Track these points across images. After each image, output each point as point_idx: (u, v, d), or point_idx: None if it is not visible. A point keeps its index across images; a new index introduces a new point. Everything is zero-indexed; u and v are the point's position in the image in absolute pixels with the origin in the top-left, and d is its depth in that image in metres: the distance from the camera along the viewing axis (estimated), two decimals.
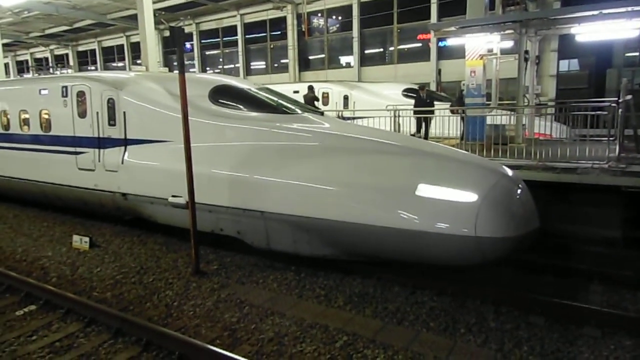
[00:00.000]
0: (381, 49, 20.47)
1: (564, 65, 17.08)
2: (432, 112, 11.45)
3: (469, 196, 4.59)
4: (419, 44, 19.11)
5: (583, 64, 17.19)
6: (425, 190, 4.82)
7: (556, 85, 16.59)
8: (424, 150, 5.70)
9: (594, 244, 6.32)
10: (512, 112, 10.21)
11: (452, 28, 9.84)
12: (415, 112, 11.14)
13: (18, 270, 5.89)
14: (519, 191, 4.95)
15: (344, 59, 21.47)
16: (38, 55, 34.02)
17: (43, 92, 8.35)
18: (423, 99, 11.98)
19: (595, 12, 8.44)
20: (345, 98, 15.57)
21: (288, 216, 5.45)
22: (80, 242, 6.85)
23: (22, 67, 34.94)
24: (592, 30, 9.65)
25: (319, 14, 21.63)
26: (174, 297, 5.10)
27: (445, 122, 9.88)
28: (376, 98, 14.54)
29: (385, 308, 4.71)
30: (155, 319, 4.57)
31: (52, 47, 31.95)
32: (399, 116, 10.80)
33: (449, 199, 4.67)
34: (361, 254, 5.42)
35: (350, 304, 4.84)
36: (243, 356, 3.69)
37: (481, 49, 9.74)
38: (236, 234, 6.07)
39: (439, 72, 18.45)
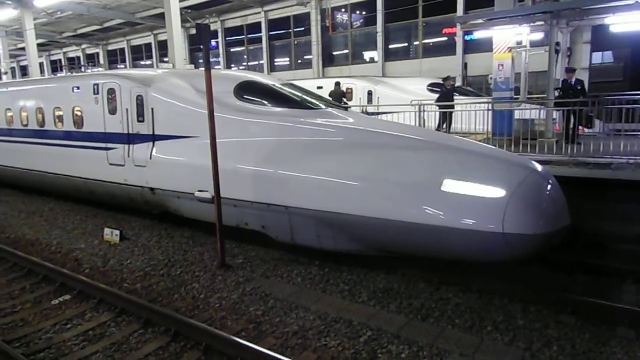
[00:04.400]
0: (405, 44, 20.21)
1: (597, 57, 16.46)
2: (453, 105, 11.28)
3: (497, 192, 4.50)
4: (445, 38, 18.77)
5: (617, 56, 16.52)
6: (450, 185, 4.75)
7: (589, 78, 16.02)
8: (449, 145, 5.61)
9: (627, 242, 6.10)
10: (542, 106, 9.92)
11: (480, 20, 9.64)
12: (440, 105, 10.98)
13: (53, 261, 6.12)
14: (548, 187, 4.82)
15: (367, 54, 21.31)
16: (70, 55, 35.10)
17: (76, 89, 8.62)
18: (447, 91, 11.80)
19: (631, 1, 8.10)
20: (369, 93, 15.47)
21: (312, 211, 5.46)
22: (111, 234, 7.06)
23: (55, 66, 36.14)
24: (627, 21, 9.27)
25: (343, 9, 21.52)
26: (200, 290, 5.20)
27: (471, 116, 9.69)
28: (401, 93, 14.39)
29: (410, 304, 4.68)
30: (183, 310, 4.68)
31: (83, 46, 32.91)
32: (424, 111, 10.67)
33: (475, 195, 4.59)
34: (385, 250, 5.40)
35: (374, 299, 4.83)
36: (268, 349, 3.73)
37: (510, 41, 9.49)
38: (261, 228, 6.14)
39: (465, 66, 18.10)
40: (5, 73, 22.28)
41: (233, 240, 6.66)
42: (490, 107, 9.56)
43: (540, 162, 5.61)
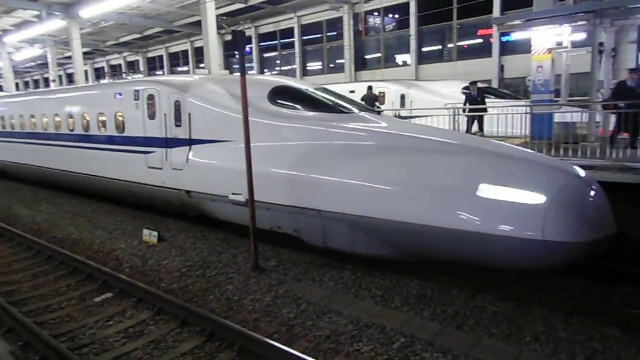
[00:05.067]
0: (439, 46, 19.93)
1: None
2: (484, 109, 11.04)
3: (536, 197, 4.37)
4: (480, 40, 18.40)
5: None
6: (487, 190, 4.64)
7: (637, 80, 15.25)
8: (485, 149, 5.48)
9: None
10: (584, 109, 9.54)
11: (518, 21, 9.37)
12: (469, 110, 10.80)
13: (96, 260, 6.39)
14: (591, 193, 4.62)
15: (400, 58, 21.16)
16: (113, 62, 36.65)
17: (118, 96, 9.00)
18: (473, 96, 11.59)
19: None
20: (402, 97, 15.34)
21: (345, 215, 5.46)
22: (149, 235, 7.30)
23: (99, 74, 37.82)
24: None
25: (376, 13, 21.47)
26: (234, 291, 5.29)
27: (508, 120, 9.43)
28: (434, 96, 14.20)
29: (444, 311, 4.59)
30: (218, 311, 4.77)
31: (125, 54, 34.29)
32: (458, 114, 10.48)
33: (513, 200, 4.46)
34: (419, 255, 5.33)
35: (407, 305, 4.77)
36: (301, 352, 3.75)
37: (549, 42, 9.18)
38: (293, 231, 6.19)
39: (501, 68, 17.66)
40: (54, 81, 23.48)
41: (266, 243, 6.74)
42: (528, 110, 9.27)
43: (582, 167, 5.39)
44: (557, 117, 9.31)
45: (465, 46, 19.01)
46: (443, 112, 10.48)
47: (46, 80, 39.60)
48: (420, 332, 4.17)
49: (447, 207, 4.78)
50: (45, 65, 31.48)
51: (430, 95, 14.51)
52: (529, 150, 6.21)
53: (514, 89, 16.49)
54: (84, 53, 23.87)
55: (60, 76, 30.59)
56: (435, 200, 4.88)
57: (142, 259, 6.50)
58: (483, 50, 18.17)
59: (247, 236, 6.16)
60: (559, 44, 9.18)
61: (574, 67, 10.65)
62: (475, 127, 11.41)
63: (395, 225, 5.03)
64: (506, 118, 9.53)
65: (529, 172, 4.79)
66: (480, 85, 12.20)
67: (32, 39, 23.82)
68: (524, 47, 13.89)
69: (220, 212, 7.20)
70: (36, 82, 44.91)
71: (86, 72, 31.47)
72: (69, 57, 25.67)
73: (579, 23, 9.11)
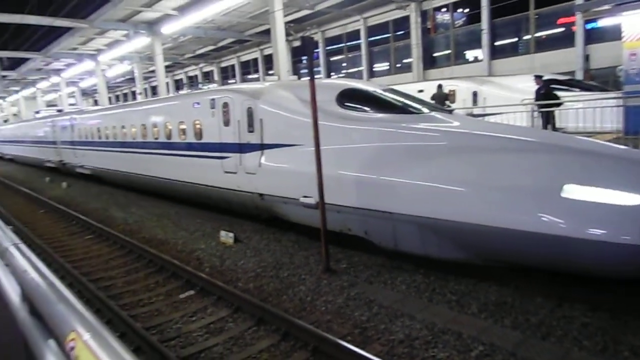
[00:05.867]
0: (514, 39, 18.83)
1: None
2: (557, 104, 10.27)
3: (632, 198, 3.98)
4: (560, 29, 17.11)
5: None
6: (573, 191, 4.31)
7: None
8: (569, 146, 5.11)
9: None
10: None
11: (606, 7, 8.60)
12: (540, 106, 10.12)
13: (180, 259, 6.86)
14: None
15: (471, 53, 20.30)
16: (190, 74, 39.14)
17: (196, 105, 9.60)
18: (539, 91, 10.84)
19: None
20: (474, 94, 14.71)
21: (416, 217, 5.36)
22: (226, 237, 7.69)
23: (178, 85, 40.60)
24: None
25: (444, 9, 20.82)
26: (307, 292, 5.40)
27: (596, 114, 8.68)
28: (510, 92, 13.45)
29: (527, 320, 4.32)
30: (291, 311, 4.90)
31: (201, 65, 36.48)
32: (537, 110, 9.85)
33: (604, 202, 4.10)
34: (496, 260, 5.08)
35: (485, 312, 4.57)
36: (374, 355, 3.74)
37: None
38: (364, 234, 6.18)
39: (586, 58, 16.27)
40: (140, 93, 25.61)
41: (337, 245, 6.80)
42: (621, 103, 8.47)
43: None
44: None
45: (544, 37, 17.78)
46: (520, 108, 9.92)
47: (133, 94, 43.29)
48: (500, 341, 3.97)
49: (526, 209, 4.51)
50: (132, 79, 34.45)
51: (505, 92, 13.76)
52: (622, 147, 5.68)
53: (602, 80, 15.12)
54: (165, 66, 25.74)
55: (145, 89, 33.25)
56: (513, 201, 4.63)
57: (220, 259, 6.86)
58: (564, 40, 16.88)
59: (318, 238, 6.26)
60: None
61: None
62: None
63: (470, 227, 4.83)
64: (594, 112, 8.78)
65: (622, 171, 4.38)
66: (549, 77, 11.42)
67: (121, 56, 26.16)
68: (613, 34, 12.71)
69: (292, 215, 7.39)
70: (125, 95, 49.24)
71: (167, 84, 33.92)
72: (153, 71, 27.89)
73: None
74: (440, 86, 14.30)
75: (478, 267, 5.34)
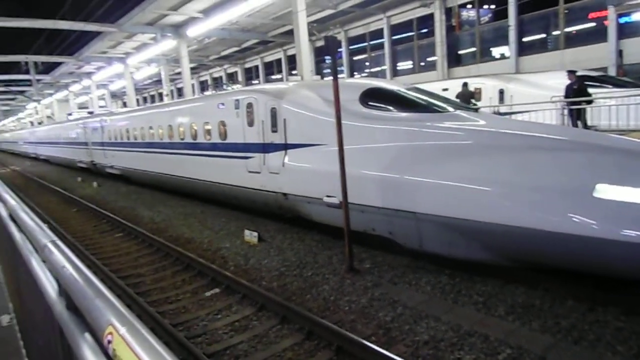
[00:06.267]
0: (543, 35, 18.32)
1: None
2: (587, 101, 9.93)
3: None
4: (592, 24, 16.55)
5: None
6: (606, 191, 4.17)
7: None
8: (601, 144, 4.95)
9: None
10: None
11: None
12: (571, 103, 9.81)
13: (205, 257, 6.98)
14: None
15: (497, 50, 19.87)
16: (215, 75, 39.72)
17: (221, 106, 9.75)
18: (571, 86, 10.49)
19: None
20: (501, 92, 14.39)
21: (442, 217, 5.30)
22: (250, 236, 7.78)
23: (203, 86, 41.27)
24: None
25: (469, 5, 20.45)
26: (330, 292, 5.41)
27: (631, 111, 8.37)
28: (538, 90, 13.09)
29: (557, 323, 4.21)
30: (315, 310, 4.92)
31: (225, 66, 36.97)
32: (568, 107, 9.58)
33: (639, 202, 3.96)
34: (523, 261, 4.96)
35: (512, 314, 4.47)
36: (398, 356, 3.72)
37: None
38: (388, 234, 6.15)
39: (619, 53, 15.69)
40: (167, 95, 26.17)
41: (360, 245, 6.78)
42: None
43: None
44: None
45: (574, 32, 17.24)
46: (549, 106, 9.65)
47: (160, 95, 44.28)
48: (529, 345, 3.88)
49: (556, 210, 4.40)
50: (159, 81, 35.21)
51: (533, 89, 13.41)
52: None
53: (635, 76, 14.56)
54: (191, 68, 26.20)
55: (172, 91, 33.96)
56: (542, 201, 4.52)
57: (244, 258, 6.95)
58: (596, 35, 16.31)
59: (341, 238, 6.26)
60: None
61: None
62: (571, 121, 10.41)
63: (497, 228, 4.74)
64: (628, 109, 8.47)
65: None
66: (581, 73, 11.07)
67: (148, 59, 26.78)
68: None
69: (315, 214, 7.41)
70: (152, 97, 50.38)
71: (193, 85, 34.52)
72: (179, 73, 28.43)
73: None
74: (465, 84, 14.06)
75: (505, 269, 5.24)
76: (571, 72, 10.99)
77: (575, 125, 10.11)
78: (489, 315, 4.50)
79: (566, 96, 10.60)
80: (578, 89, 10.49)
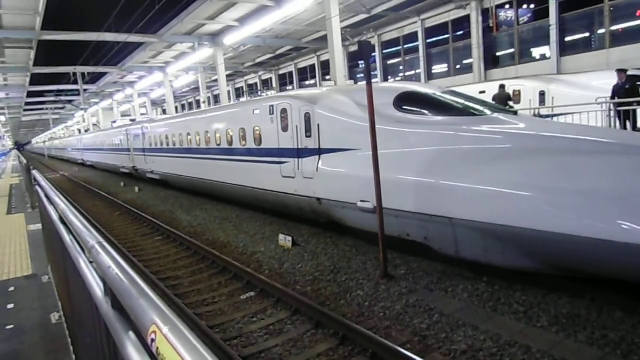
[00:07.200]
0: (587, 34, 17.57)
1: None
2: (638, 102, 9.38)
3: None
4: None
5: None
6: None
7: None
8: None
9: None
10: None
11: None
12: (619, 104, 9.30)
13: (241, 261, 7.10)
14: None
15: (538, 51, 19.20)
16: (250, 82, 40.50)
17: (256, 111, 9.92)
18: (621, 86, 9.93)
19: None
20: (542, 94, 13.90)
21: (478, 223, 5.15)
22: (285, 240, 7.85)
23: (238, 93, 42.17)
24: None
25: (507, 6, 19.91)
26: (365, 298, 5.37)
27: None
28: (582, 91, 12.55)
29: (605, 335, 4.00)
30: (349, 316, 4.90)
31: (260, 73, 37.63)
32: (613, 110, 9.13)
33: None
34: (566, 269, 4.75)
35: (556, 325, 4.28)
36: None
37: None
38: (423, 240, 6.04)
39: None
40: (204, 102, 26.90)
41: (395, 251, 6.71)
42: None
43: None
44: None
45: (621, 30, 16.43)
46: (594, 108, 9.23)
47: (198, 103, 45.53)
48: (574, 358, 3.70)
49: (602, 216, 4.19)
50: (196, 89, 36.27)
51: (576, 90, 12.87)
52: None
53: None
54: (227, 75, 26.82)
55: (208, 97, 34.88)
56: (587, 207, 4.31)
57: (279, 262, 7.01)
58: None
59: (375, 244, 6.21)
60: None
61: None
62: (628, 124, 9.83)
63: (537, 235, 4.57)
64: None
65: None
66: (618, 71, 10.48)
67: (187, 67, 27.66)
68: None
69: (349, 219, 7.39)
70: (190, 104, 51.93)
71: (229, 92, 35.29)
72: (215, 81, 29.14)
73: None
74: (502, 86, 13.68)
75: (546, 277, 5.03)
76: (621, 71, 10.44)
77: (624, 127, 9.62)
78: (530, 326, 4.33)
79: (613, 97, 10.11)
80: (630, 89, 9.97)
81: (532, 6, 19.16)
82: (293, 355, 4.25)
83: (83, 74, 31.53)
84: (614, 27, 16.54)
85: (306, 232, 8.67)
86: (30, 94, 39.06)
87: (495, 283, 5.36)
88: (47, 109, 51.32)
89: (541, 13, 18.48)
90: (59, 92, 38.79)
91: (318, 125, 7.98)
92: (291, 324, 4.91)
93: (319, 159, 7.94)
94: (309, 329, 4.71)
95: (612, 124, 9.75)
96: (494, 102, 11.65)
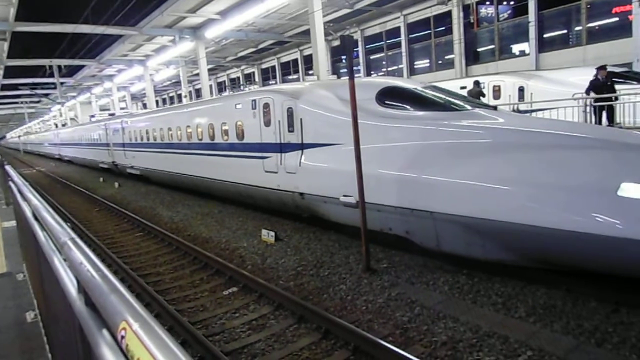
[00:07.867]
0: (564, 31, 17.91)
1: None
2: (610, 99, 9.63)
3: None
4: (615, 19, 16.10)
5: None
6: (631, 189, 4.05)
7: None
8: (626, 142, 4.81)
9: None
10: None
11: None
12: (596, 99, 9.53)
13: (223, 257, 7.04)
14: None
15: (517, 47, 19.51)
16: (232, 76, 40.06)
17: (238, 106, 9.82)
18: (602, 82, 10.14)
19: None
20: (521, 90, 14.13)
21: (459, 217, 5.22)
22: (267, 235, 7.82)
23: (220, 87, 41.70)
24: None
25: (487, 2, 20.13)
26: (347, 292, 5.40)
27: None
28: (559, 87, 12.80)
29: (579, 325, 4.11)
30: (332, 310, 4.91)
31: (242, 67, 37.26)
32: (588, 105, 9.33)
33: None
34: (543, 262, 4.86)
35: (533, 315, 4.38)
36: (416, 356, 3.68)
37: None
38: (405, 233, 6.09)
39: None
40: (185, 96, 26.53)
41: (377, 245, 6.75)
42: None
43: None
44: None
45: (597, 27, 16.80)
46: (571, 103, 9.42)
47: (179, 97, 44.90)
48: (550, 347, 3.79)
49: (577, 209, 4.30)
50: (178, 83, 35.74)
51: (554, 86, 13.12)
52: None
53: None
54: (209, 69, 26.50)
55: (190, 92, 34.41)
56: (561, 200, 4.42)
57: (261, 257, 6.99)
58: (619, 30, 15.86)
59: (358, 238, 6.24)
60: None
61: None
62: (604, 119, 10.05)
63: (515, 228, 4.66)
64: None
65: None
66: (598, 68, 10.70)
67: (167, 61, 27.18)
68: None
69: (332, 214, 7.40)
70: (171, 98, 51.11)
71: (210, 86, 34.86)
72: (197, 75, 28.73)
73: None
74: (477, 82, 13.83)
75: (524, 269, 5.14)
76: (602, 68, 10.54)
77: (599, 122, 9.85)
78: (508, 317, 4.42)
79: (588, 92, 10.30)
80: (609, 85, 10.16)
81: (512, 3, 19.43)
82: (276, 350, 4.25)
83: (59, 67, 30.73)
84: (590, 25, 16.90)
85: (289, 227, 8.65)
86: (4, 87, 37.87)
87: (475, 275, 5.45)
88: (22, 102, 49.90)
89: (520, 10, 18.75)
90: (34, 85, 37.72)
91: (300, 119, 7.95)
92: (274, 318, 4.90)
93: (302, 153, 7.92)
94: (292, 324, 4.71)
95: (588, 119, 9.98)
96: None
